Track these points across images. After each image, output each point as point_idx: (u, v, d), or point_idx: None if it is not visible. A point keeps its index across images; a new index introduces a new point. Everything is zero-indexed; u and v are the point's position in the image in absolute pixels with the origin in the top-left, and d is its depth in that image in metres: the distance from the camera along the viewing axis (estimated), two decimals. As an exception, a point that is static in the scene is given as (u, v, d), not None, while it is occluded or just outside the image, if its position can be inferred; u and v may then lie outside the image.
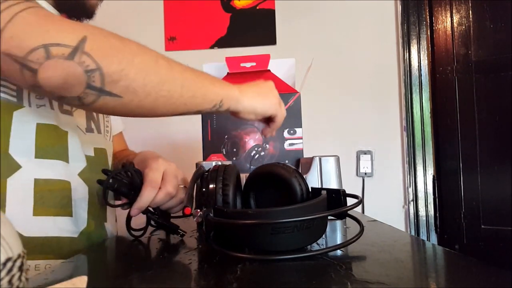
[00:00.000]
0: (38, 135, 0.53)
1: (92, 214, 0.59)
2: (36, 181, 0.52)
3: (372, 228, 0.58)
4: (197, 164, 0.73)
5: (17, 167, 0.51)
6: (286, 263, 0.40)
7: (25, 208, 0.51)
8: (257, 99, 0.58)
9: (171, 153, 1.76)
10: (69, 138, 0.58)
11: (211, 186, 0.49)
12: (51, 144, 0.54)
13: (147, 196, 0.55)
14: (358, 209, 2.03)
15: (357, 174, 1.87)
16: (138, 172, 0.58)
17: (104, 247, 0.55)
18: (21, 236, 0.45)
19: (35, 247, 0.51)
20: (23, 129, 0.52)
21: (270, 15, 1.93)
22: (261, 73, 0.98)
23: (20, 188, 0.50)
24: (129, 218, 0.58)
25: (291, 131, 0.85)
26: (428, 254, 0.44)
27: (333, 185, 0.67)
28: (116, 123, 0.86)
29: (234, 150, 0.87)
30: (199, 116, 0.92)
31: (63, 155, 0.56)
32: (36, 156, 0.52)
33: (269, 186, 0.50)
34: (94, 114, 0.67)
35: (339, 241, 0.51)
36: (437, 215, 1.83)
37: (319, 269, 0.38)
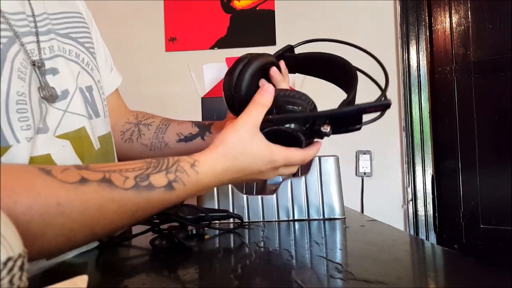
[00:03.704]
0: None
1: None
2: None
3: (372, 228, 0.58)
4: None
5: None
6: (283, 262, 0.40)
7: None
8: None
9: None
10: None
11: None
12: None
13: None
14: (357, 208, 1.99)
15: (356, 174, 1.87)
16: None
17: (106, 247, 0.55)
18: None
19: None
20: None
21: (270, 15, 1.93)
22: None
23: None
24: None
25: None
26: (427, 254, 0.44)
27: (332, 185, 0.67)
28: (110, 77, 0.71)
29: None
30: (199, 113, 0.92)
31: None
32: None
33: None
34: (87, 94, 0.56)
35: (338, 241, 0.52)
36: (436, 214, 1.83)
37: (318, 268, 0.38)
